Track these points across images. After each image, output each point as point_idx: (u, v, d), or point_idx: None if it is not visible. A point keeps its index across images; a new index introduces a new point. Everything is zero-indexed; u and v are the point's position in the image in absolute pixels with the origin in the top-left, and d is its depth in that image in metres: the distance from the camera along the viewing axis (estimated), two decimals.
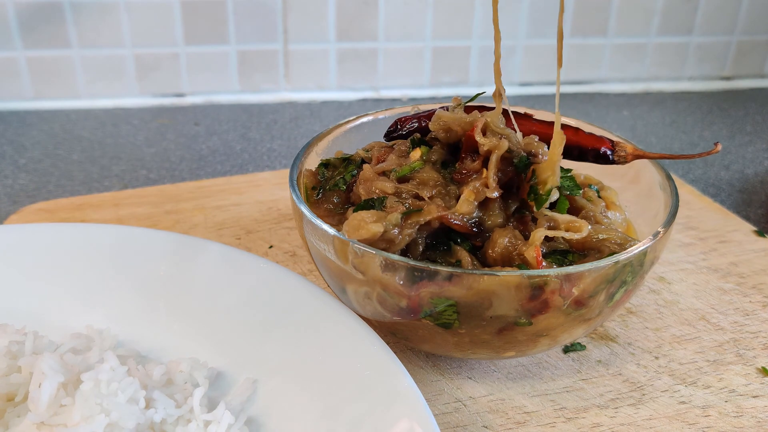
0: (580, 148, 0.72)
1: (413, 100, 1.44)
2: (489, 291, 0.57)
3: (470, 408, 0.66)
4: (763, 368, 0.72)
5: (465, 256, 0.62)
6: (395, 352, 0.62)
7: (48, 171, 1.15)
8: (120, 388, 0.57)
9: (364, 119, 0.82)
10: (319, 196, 0.72)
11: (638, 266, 0.61)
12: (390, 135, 0.76)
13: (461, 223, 0.62)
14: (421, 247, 0.63)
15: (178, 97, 1.40)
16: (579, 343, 0.74)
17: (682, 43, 1.50)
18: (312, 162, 0.76)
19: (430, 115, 0.74)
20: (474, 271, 0.58)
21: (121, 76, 1.36)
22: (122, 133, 1.29)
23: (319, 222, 0.63)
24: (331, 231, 0.62)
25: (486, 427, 0.64)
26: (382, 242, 0.61)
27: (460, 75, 1.46)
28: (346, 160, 0.74)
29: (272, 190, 1.02)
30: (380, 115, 0.82)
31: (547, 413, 0.66)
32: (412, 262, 0.58)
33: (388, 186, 0.64)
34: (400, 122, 0.75)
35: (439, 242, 0.64)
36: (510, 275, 0.57)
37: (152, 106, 1.39)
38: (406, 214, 0.62)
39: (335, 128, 0.80)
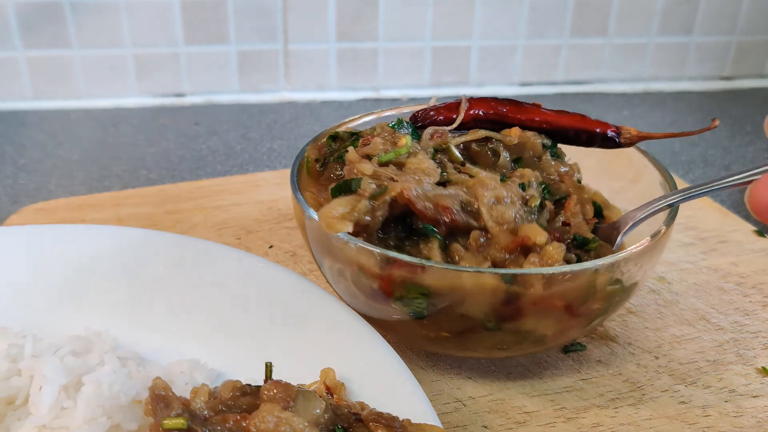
0: (588, 133, 0.73)
1: (413, 100, 1.44)
2: (458, 286, 0.57)
3: (470, 408, 0.66)
4: (763, 368, 0.71)
5: (435, 251, 0.62)
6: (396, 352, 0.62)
7: (48, 171, 1.15)
8: (122, 390, 0.57)
9: (365, 119, 0.82)
10: (322, 167, 0.72)
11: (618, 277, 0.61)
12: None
13: (418, 201, 0.61)
14: (394, 231, 0.64)
15: (178, 97, 1.40)
16: (579, 343, 0.74)
17: (682, 43, 1.50)
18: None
19: (448, 106, 0.76)
20: (438, 265, 0.58)
21: (121, 76, 1.36)
22: (122, 133, 1.29)
23: (312, 213, 0.64)
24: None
25: (486, 427, 0.64)
26: (355, 227, 0.61)
27: (460, 75, 1.46)
28: (354, 135, 0.74)
29: (272, 190, 1.02)
30: (382, 114, 0.82)
31: (547, 413, 0.66)
32: (380, 251, 0.58)
33: (367, 168, 0.64)
34: (418, 115, 0.76)
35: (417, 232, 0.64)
36: (475, 272, 0.57)
37: (152, 106, 1.39)
38: (374, 196, 0.61)
39: (336, 127, 0.80)
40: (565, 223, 0.67)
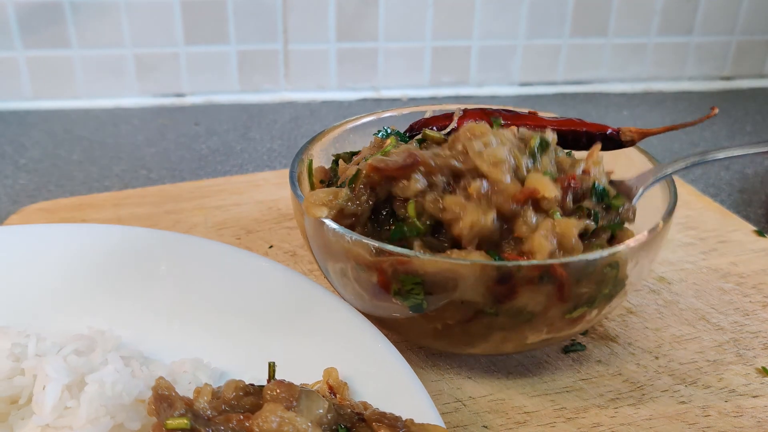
0: (588, 135, 0.72)
1: (413, 100, 1.44)
2: (450, 270, 0.58)
3: (470, 408, 0.66)
4: (763, 368, 0.72)
5: (416, 242, 0.62)
6: None
7: (48, 171, 1.15)
8: (125, 389, 0.57)
9: (366, 119, 0.82)
10: (327, 187, 0.73)
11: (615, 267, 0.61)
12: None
13: (381, 163, 0.62)
14: (383, 213, 0.64)
15: (178, 97, 1.40)
16: (579, 343, 0.74)
17: (682, 43, 1.50)
18: (316, 161, 0.76)
19: (443, 116, 0.75)
20: (422, 255, 0.58)
21: (121, 76, 1.36)
22: (122, 133, 1.29)
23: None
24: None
25: (486, 427, 0.64)
26: (346, 218, 0.62)
27: (460, 75, 1.46)
28: (355, 155, 0.75)
29: (272, 190, 1.02)
30: (382, 115, 0.82)
31: (547, 413, 0.66)
32: (366, 241, 0.59)
33: (353, 170, 0.65)
34: (414, 126, 0.77)
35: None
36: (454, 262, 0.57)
37: (152, 106, 1.39)
38: (352, 181, 0.63)
39: (338, 126, 0.80)
40: (585, 172, 0.66)
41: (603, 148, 0.73)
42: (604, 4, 1.43)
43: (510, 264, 0.57)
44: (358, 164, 0.68)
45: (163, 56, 1.36)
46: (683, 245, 0.91)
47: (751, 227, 0.95)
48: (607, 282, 0.61)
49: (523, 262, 0.57)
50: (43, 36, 1.30)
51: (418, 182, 0.62)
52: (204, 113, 1.37)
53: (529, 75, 1.49)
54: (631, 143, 0.73)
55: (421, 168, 0.62)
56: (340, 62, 1.42)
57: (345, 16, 1.37)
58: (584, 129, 0.73)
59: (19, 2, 1.27)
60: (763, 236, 0.93)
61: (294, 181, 0.69)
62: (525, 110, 0.76)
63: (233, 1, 1.33)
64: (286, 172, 0.72)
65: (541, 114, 0.75)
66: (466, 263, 0.58)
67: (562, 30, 1.45)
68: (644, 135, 0.72)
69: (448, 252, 0.61)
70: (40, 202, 0.98)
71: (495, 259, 0.59)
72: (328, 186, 0.73)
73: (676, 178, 0.84)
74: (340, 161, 0.71)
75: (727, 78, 1.56)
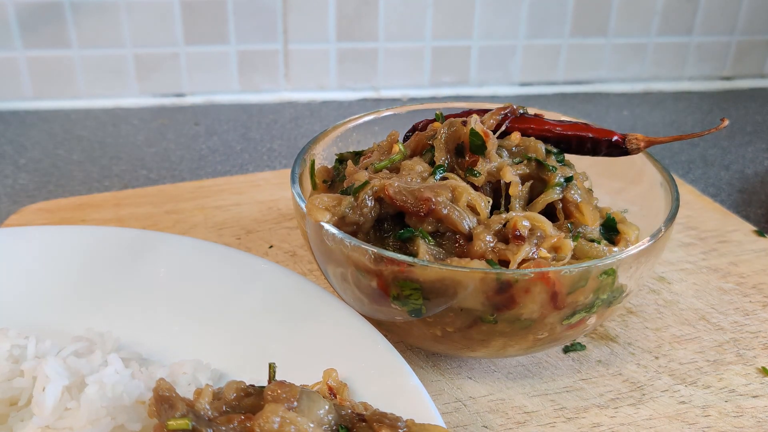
0: (593, 140, 0.72)
1: (413, 100, 1.44)
2: (449, 278, 0.58)
3: (470, 408, 0.66)
4: (763, 368, 0.72)
5: (422, 246, 0.62)
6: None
7: (48, 171, 1.15)
8: (125, 391, 0.57)
9: (365, 119, 0.82)
10: (330, 187, 0.73)
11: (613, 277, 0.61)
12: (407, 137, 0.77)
13: (397, 196, 0.62)
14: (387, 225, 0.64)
15: (178, 97, 1.40)
16: (579, 343, 0.74)
17: (682, 43, 1.50)
18: (318, 160, 0.76)
19: (447, 117, 0.75)
20: (421, 262, 0.59)
21: (121, 76, 1.36)
22: (122, 133, 1.29)
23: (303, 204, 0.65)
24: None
25: (486, 427, 0.64)
26: (348, 226, 0.63)
27: (460, 75, 1.46)
28: (358, 154, 0.75)
29: (272, 190, 1.02)
30: (381, 115, 0.82)
31: (547, 413, 0.66)
32: (366, 247, 0.59)
33: (363, 175, 0.65)
34: (418, 126, 0.77)
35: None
36: (454, 270, 0.58)
37: (152, 106, 1.39)
38: (356, 191, 0.63)
39: (340, 125, 0.80)
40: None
41: (608, 154, 0.73)
42: (604, 4, 1.43)
43: (508, 272, 0.57)
44: (366, 168, 0.68)
45: (163, 56, 1.36)
46: (683, 245, 0.91)
47: (751, 227, 0.95)
48: (605, 289, 0.61)
49: (518, 271, 0.58)
50: (43, 36, 1.30)
51: (430, 225, 0.63)
52: (204, 113, 1.37)
53: (529, 75, 1.49)
54: (637, 151, 0.72)
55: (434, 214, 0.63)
56: (340, 62, 1.42)
57: (345, 16, 1.37)
58: (589, 134, 0.72)
59: (19, 2, 1.27)
60: (763, 236, 0.93)
61: (295, 181, 0.69)
62: (532, 111, 0.76)
63: (233, 1, 1.33)
64: (286, 172, 0.72)
65: (546, 117, 0.75)
66: (465, 271, 0.58)
67: (562, 30, 1.44)
68: (650, 143, 0.72)
69: (449, 260, 0.61)
70: (40, 202, 0.98)
71: (493, 268, 0.59)
72: (331, 185, 0.73)
73: (676, 177, 0.84)
74: (349, 162, 0.70)
75: (727, 78, 1.56)
